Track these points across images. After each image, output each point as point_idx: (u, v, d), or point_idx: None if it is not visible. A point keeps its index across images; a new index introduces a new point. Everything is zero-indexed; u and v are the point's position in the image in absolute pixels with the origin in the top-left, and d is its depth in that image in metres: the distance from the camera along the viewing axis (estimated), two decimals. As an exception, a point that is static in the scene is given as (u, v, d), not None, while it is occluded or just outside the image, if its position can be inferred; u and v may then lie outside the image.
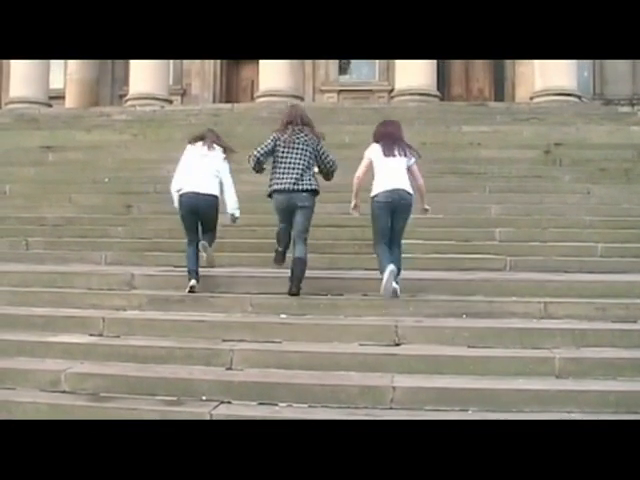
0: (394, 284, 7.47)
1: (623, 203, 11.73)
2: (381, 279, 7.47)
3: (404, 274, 7.98)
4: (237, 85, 24.48)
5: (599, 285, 8.15)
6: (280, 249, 8.33)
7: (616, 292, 7.88)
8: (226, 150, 8.61)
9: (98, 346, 6.85)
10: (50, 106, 21.16)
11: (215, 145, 8.54)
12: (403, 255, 8.09)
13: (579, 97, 19.12)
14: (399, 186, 7.83)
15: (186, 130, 16.39)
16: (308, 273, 8.00)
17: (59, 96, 23.26)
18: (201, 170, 8.35)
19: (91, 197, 12.80)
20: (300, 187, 7.86)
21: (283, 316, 7.42)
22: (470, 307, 7.50)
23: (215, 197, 8.36)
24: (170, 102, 20.50)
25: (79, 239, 11.02)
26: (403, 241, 8.19)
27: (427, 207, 8.49)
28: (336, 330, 7.00)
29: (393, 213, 7.83)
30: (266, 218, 11.18)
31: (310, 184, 7.94)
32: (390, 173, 7.88)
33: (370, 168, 8.10)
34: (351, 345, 6.71)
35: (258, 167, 8.19)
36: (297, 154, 7.92)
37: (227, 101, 22.70)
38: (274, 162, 8.03)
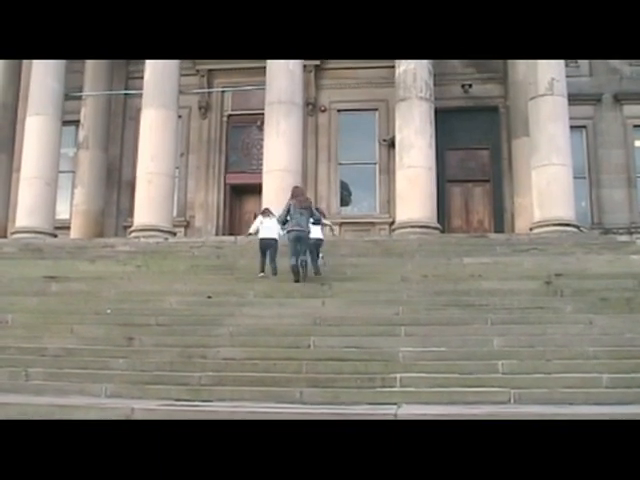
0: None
1: (626, 333, 11.62)
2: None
3: (407, 409, 8.35)
4: (240, 218, 24.85)
5: (606, 418, 8.02)
6: (295, 278, 14.25)
7: (624, 426, 7.77)
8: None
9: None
10: (55, 236, 21.38)
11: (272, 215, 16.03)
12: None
13: (578, 227, 19.26)
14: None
15: (189, 262, 16.61)
16: (310, 409, 8.54)
17: (65, 226, 23.52)
18: (269, 226, 15.74)
19: (93, 328, 12.74)
20: (302, 230, 14.38)
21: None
22: (475, 443, 7.36)
23: (276, 239, 15.55)
24: (174, 234, 20.70)
25: (80, 370, 10.93)
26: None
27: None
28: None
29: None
30: (267, 351, 11.19)
31: (307, 230, 14.46)
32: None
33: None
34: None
35: (283, 223, 14.79)
36: (301, 213, 14.56)
37: (230, 234, 22.94)
38: (290, 217, 14.59)
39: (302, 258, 14.27)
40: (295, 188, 15.75)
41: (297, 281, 14.18)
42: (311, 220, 14.87)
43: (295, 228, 14.33)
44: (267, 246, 15.74)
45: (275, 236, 15.72)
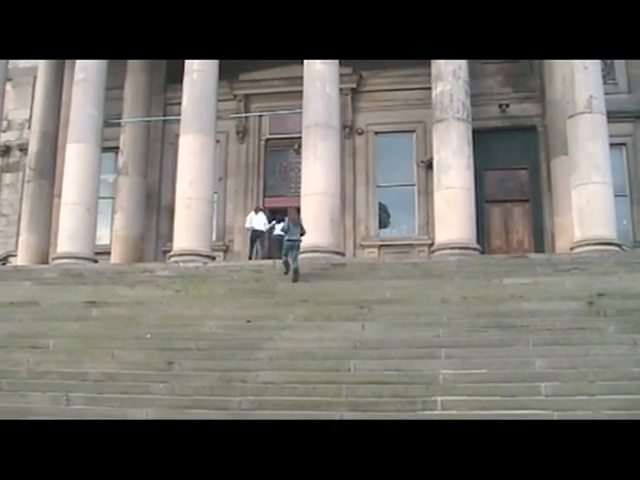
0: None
1: (671, 353, 11.46)
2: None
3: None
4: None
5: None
6: (286, 270, 17.40)
7: (672, 449, 7.59)
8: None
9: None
10: (96, 261, 21.56)
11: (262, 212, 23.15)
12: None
13: (619, 246, 18.96)
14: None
15: (228, 286, 16.65)
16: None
17: (105, 252, 23.76)
18: (259, 220, 22.55)
19: (133, 353, 12.82)
20: (295, 239, 17.40)
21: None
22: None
23: (263, 231, 22.73)
24: (213, 258, 20.75)
25: (120, 395, 11.01)
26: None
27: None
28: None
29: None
30: (307, 375, 11.16)
31: (299, 239, 17.51)
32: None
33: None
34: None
35: (285, 231, 17.90)
36: (294, 228, 17.52)
37: (269, 257, 22.99)
38: (287, 230, 17.60)
39: (290, 257, 17.40)
40: (291, 209, 18.64)
41: (287, 273, 17.42)
42: (300, 232, 18.06)
43: (292, 238, 17.53)
44: (257, 236, 22.33)
45: (263, 228, 22.25)
